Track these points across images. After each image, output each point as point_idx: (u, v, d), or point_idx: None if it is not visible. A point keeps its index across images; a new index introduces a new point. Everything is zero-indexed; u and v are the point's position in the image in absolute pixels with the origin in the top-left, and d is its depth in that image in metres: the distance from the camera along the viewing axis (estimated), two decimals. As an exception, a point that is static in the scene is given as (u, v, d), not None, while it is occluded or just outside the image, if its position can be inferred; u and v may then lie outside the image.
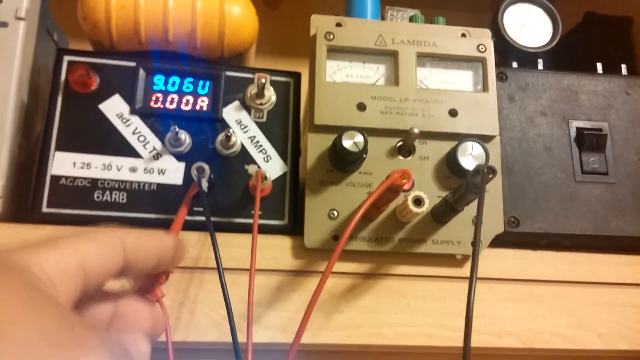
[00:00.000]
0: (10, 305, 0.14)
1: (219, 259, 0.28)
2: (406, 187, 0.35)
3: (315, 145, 0.35)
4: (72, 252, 0.18)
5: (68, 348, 0.14)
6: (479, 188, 0.28)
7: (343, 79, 0.37)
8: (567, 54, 0.54)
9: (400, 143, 0.36)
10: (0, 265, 0.16)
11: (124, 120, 0.35)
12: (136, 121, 0.35)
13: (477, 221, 0.25)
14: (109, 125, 0.35)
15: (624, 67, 0.42)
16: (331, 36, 0.37)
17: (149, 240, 0.21)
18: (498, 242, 0.36)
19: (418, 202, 0.32)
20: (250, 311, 0.29)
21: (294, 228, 0.36)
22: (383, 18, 0.42)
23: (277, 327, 0.33)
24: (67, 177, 0.33)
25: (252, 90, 0.37)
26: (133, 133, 0.35)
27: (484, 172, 0.27)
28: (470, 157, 0.35)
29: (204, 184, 0.32)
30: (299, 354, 0.35)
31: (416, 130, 0.34)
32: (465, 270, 0.36)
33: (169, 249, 0.22)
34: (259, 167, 0.36)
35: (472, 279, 0.22)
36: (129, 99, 0.35)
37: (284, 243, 0.35)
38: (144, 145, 0.35)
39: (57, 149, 0.34)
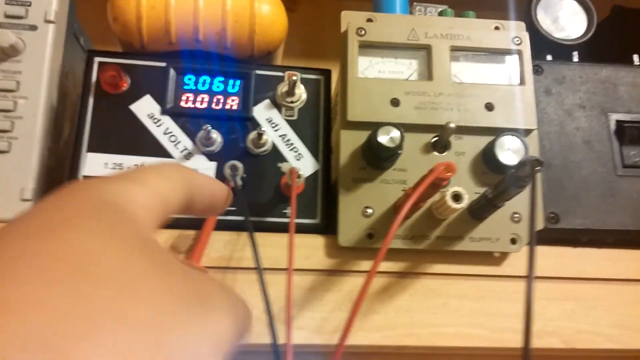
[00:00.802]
0: (128, 255, 0.13)
1: (259, 259, 0.28)
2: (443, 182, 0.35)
3: (348, 142, 0.35)
4: (154, 188, 0.17)
5: (197, 308, 0.13)
6: (525, 181, 0.27)
7: (375, 75, 0.36)
8: (596, 48, 0.53)
9: (436, 138, 0.35)
10: (100, 206, 0.15)
11: (155, 121, 0.35)
12: (167, 121, 0.35)
13: (532, 216, 0.24)
14: (140, 126, 0.35)
15: (661, 57, 0.41)
16: (363, 32, 0.36)
17: (208, 184, 0.22)
18: (538, 239, 0.35)
19: (457, 197, 0.31)
20: (289, 312, 0.28)
21: (327, 227, 0.35)
22: (412, 14, 0.42)
23: (311, 328, 0.33)
24: (100, 178, 0.33)
25: (282, 88, 0.37)
26: (164, 133, 0.35)
27: (533, 163, 0.26)
28: (508, 151, 0.34)
29: (238, 182, 0.32)
30: (331, 355, 0.34)
31: (452, 125, 0.33)
32: (504, 268, 0.35)
33: (222, 195, 0.23)
34: (290, 165, 0.35)
35: (530, 278, 0.21)
36: (160, 99, 0.35)
37: (317, 242, 0.34)
38: (175, 145, 0.35)
39: (89, 150, 0.34)
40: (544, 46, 0.40)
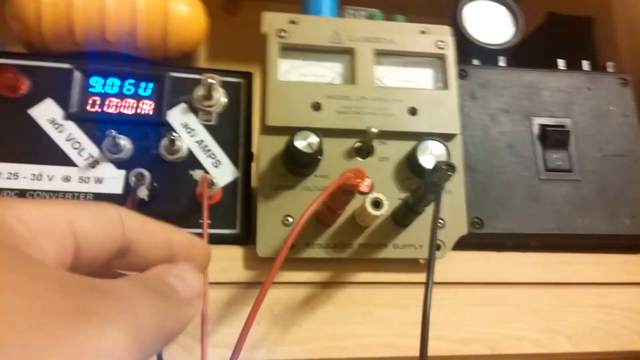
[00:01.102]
0: None
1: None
2: (365, 189, 0.34)
3: (267, 148, 0.33)
4: (58, 209, 0.15)
5: (70, 316, 0.12)
6: (439, 187, 0.26)
7: (297, 78, 0.35)
8: (529, 54, 0.54)
9: (359, 144, 0.34)
10: None
11: (57, 126, 0.32)
12: (70, 127, 0.32)
13: (434, 222, 0.24)
14: (39, 132, 0.32)
15: (585, 63, 0.42)
16: (284, 34, 0.35)
17: (157, 227, 0.18)
18: (462, 244, 0.34)
19: (377, 204, 0.30)
20: (204, 329, 0.26)
21: (247, 237, 0.34)
22: (341, 17, 0.41)
23: (228, 345, 0.31)
24: (-8, 189, 0.30)
25: (199, 91, 0.35)
26: (67, 139, 0.32)
27: (442, 169, 0.25)
28: (431, 156, 0.33)
29: (144, 192, 0.30)
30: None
31: (374, 130, 0.32)
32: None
33: (186, 244, 0.19)
34: (206, 172, 0.33)
35: (427, 287, 0.20)
36: (63, 103, 0.33)
37: (234, 253, 0.32)
38: (79, 153, 0.32)
39: (-18, 158, 0.31)
40: (471, 51, 0.40)
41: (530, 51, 0.57)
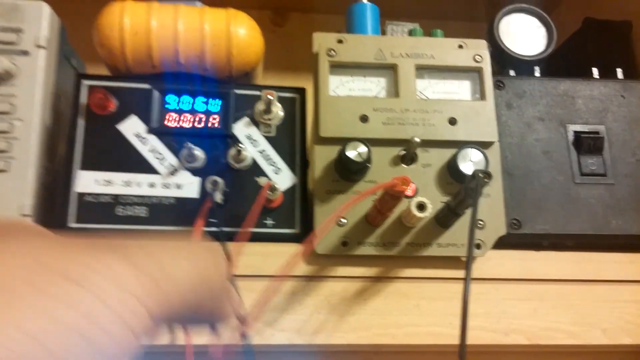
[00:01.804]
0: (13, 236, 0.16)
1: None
2: (410, 193, 0.37)
3: (321, 157, 0.37)
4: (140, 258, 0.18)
5: (84, 252, 0.15)
6: (475, 192, 0.30)
7: (346, 93, 0.39)
8: (567, 60, 0.55)
9: (403, 152, 0.38)
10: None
11: (141, 139, 0.37)
12: (153, 140, 0.37)
13: (472, 223, 0.27)
14: (127, 145, 0.37)
15: (619, 71, 0.44)
16: (333, 52, 0.39)
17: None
18: (502, 244, 0.37)
19: (421, 207, 0.33)
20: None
21: (305, 236, 0.38)
22: (383, 33, 0.44)
23: (292, 330, 0.35)
24: (90, 194, 0.35)
25: (260, 106, 0.39)
26: (150, 151, 0.37)
27: (479, 176, 0.28)
28: (470, 162, 0.36)
29: (219, 197, 0.34)
30: (315, 355, 0.37)
31: (417, 139, 0.36)
32: (472, 272, 0.37)
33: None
34: (269, 179, 0.37)
35: (467, 280, 0.24)
36: (145, 119, 0.38)
37: (295, 250, 0.36)
38: (160, 162, 0.37)
39: (81, 168, 0.36)
40: (507, 62, 0.43)
41: (568, 57, 0.58)
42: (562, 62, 0.59)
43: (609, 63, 0.46)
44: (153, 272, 0.16)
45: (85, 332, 0.14)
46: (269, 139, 0.39)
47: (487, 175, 0.29)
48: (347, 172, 0.36)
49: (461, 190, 0.32)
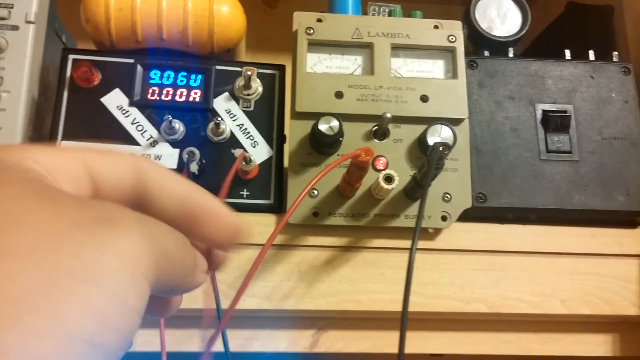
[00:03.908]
0: (12, 197, 0.13)
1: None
2: (381, 166, 0.39)
3: (297, 131, 0.39)
4: (73, 152, 0.16)
5: (96, 230, 0.13)
6: (439, 164, 0.31)
7: (323, 70, 0.40)
8: (550, 44, 0.56)
9: (376, 127, 0.39)
10: None
11: (124, 112, 0.39)
12: (135, 112, 0.39)
13: (423, 193, 0.28)
14: (110, 116, 0.39)
15: (591, 52, 0.45)
16: (311, 31, 0.40)
17: (179, 184, 0.18)
18: (467, 216, 0.39)
19: (388, 179, 0.35)
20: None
21: (280, 207, 0.39)
22: (365, 14, 0.46)
23: (262, 296, 0.37)
24: (74, 163, 0.37)
25: (240, 82, 0.41)
26: (132, 123, 0.39)
27: (438, 149, 0.30)
28: (439, 138, 0.38)
29: (194, 167, 0.36)
30: (284, 320, 0.39)
31: (388, 115, 0.37)
32: (437, 243, 0.39)
33: (212, 210, 0.18)
34: (245, 151, 0.39)
35: (412, 250, 0.25)
36: (128, 92, 0.39)
37: (269, 220, 0.38)
38: (141, 134, 0.39)
39: (64, 138, 0.38)
40: (482, 43, 0.44)
41: (552, 41, 0.59)
42: (545, 46, 0.60)
43: (591, 47, 0.47)
44: (160, 243, 0.15)
45: (94, 338, 0.12)
46: (247, 114, 0.41)
47: (447, 147, 0.30)
48: (320, 145, 0.38)
49: (425, 163, 0.33)
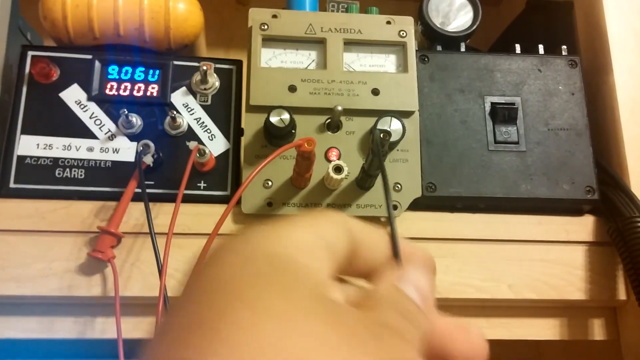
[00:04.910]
0: (317, 335, 0.12)
1: (151, 225, 0.33)
2: (334, 158, 0.40)
3: (251, 124, 0.40)
4: (307, 227, 0.16)
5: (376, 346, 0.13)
6: (379, 150, 0.33)
7: (279, 65, 0.41)
8: (514, 41, 0.58)
9: (329, 120, 0.40)
10: (267, 267, 0.13)
11: (82, 107, 0.40)
12: (93, 107, 0.40)
13: (383, 170, 0.29)
14: (68, 111, 0.39)
15: (540, 47, 0.46)
16: (265, 27, 0.41)
17: (373, 228, 0.18)
18: (418, 205, 0.41)
19: (338, 169, 0.36)
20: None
21: (236, 198, 0.41)
22: (325, 9, 0.47)
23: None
24: (31, 157, 0.38)
25: (197, 77, 0.42)
26: (90, 117, 0.40)
27: (379, 136, 0.31)
28: (389, 129, 0.39)
29: (149, 160, 0.37)
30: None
31: (339, 108, 0.38)
32: (389, 231, 0.41)
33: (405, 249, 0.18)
34: (202, 144, 0.40)
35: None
36: (87, 87, 0.40)
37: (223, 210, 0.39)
38: (100, 128, 0.40)
39: (23, 132, 0.39)
40: (435, 38, 0.46)
41: (514, 38, 0.61)
42: (509, 43, 0.61)
43: (553, 43, 0.49)
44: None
45: None
46: (205, 108, 0.42)
47: (387, 134, 0.32)
48: (273, 137, 0.39)
49: (369, 152, 0.35)
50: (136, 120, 0.40)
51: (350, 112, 0.40)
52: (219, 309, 0.12)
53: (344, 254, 0.16)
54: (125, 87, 0.41)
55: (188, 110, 0.41)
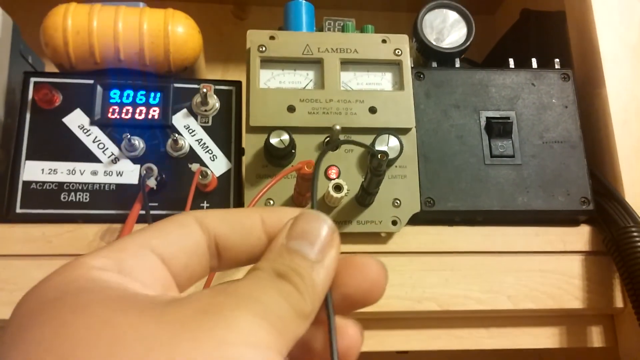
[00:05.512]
0: (103, 319, 0.12)
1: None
2: (334, 175, 0.41)
3: (252, 144, 0.41)
4: (136, 245, 0.16)
5: (199, 317, 0.12)
6: (378, 170, 0.33)
7: (277, 85, 0.42)
8: (508, 52, 0.59)
9: (327, 139, 0.41)
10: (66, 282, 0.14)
11: (85, 131, 0.40)
12: (96, 131, 0.41)
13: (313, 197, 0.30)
14: (72, 136, 0.40)
15: (534, 60, 0.47)
16: (263, 48, 0.42)
17: (240, 213, 0.17)
18: (417, 219, 0.41)
19: (338, 188, 0.37)
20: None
21: (239, 217, 0.41)
22: (321, 27, 0.48)
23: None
24: (37, 182, 0.39)
25: (197, 99, 0.42)
26: (93, 141, 0.40)
27: (376, 156, 0.32)
28: (386, 147, 0.40)
29: (153, 182, 0.38)
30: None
31: (338, 127, 0.39)
32: (389, 246, 0.42)
33: (279, 218, 0.18)
34: (204, 165, 0.41)
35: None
36: (89, 112, 0.41)
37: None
38: (103, 152, 0.40)
39: (27, 158, 0.39)
40: (430, 54, 0.47)
41: (509, 48, 0.62)
42: (504, 52, 0.62)
43: (548, 52, 0.50)
44: (278, 311, 0.14)
45: None
46: (206, 129, 0.42)
47: (384, 154, 0.32)
48: (274, 157, 0.40)
49: (368, 171, 0.36)
50: (139, 143, 0.40)
51: (349, 131, 0.41)
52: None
53: (192, 258, 0.16)
54: (127, 111, 0.41)
55: (189, 132, 0.42)
